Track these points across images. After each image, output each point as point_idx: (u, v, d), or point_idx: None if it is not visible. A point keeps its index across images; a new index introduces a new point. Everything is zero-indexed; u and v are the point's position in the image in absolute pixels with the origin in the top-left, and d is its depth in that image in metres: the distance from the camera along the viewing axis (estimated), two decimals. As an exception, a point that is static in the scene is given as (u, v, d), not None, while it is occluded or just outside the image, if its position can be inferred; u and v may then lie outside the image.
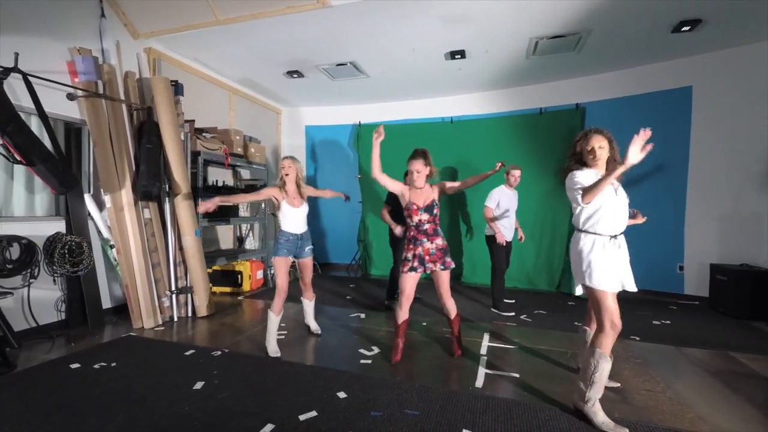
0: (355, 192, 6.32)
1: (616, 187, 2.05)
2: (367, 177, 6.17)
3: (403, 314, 2.67)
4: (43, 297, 3.18)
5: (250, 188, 4.92)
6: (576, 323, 3.59)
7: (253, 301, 4.44)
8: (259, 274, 5.03)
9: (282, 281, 2.82)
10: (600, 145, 2.02)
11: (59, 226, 3.31)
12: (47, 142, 2.85)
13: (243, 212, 5.16)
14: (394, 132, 6.01)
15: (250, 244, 5.58)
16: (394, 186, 2.67)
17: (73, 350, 2.85)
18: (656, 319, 3.77)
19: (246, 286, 4.76)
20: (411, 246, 2.63)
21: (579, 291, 2.22)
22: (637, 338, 3.23)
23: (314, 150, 6.67)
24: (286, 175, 2.90)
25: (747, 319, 3.77)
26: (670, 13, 3.41)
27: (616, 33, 3.76)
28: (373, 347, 2.96)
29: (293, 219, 2.90)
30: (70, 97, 3.25)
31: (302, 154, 6.69)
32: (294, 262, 3.04)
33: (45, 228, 3.19)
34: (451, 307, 2.76)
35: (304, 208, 2.97)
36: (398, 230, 3.78)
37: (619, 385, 2.34)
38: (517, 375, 2.48)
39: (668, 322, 3.71)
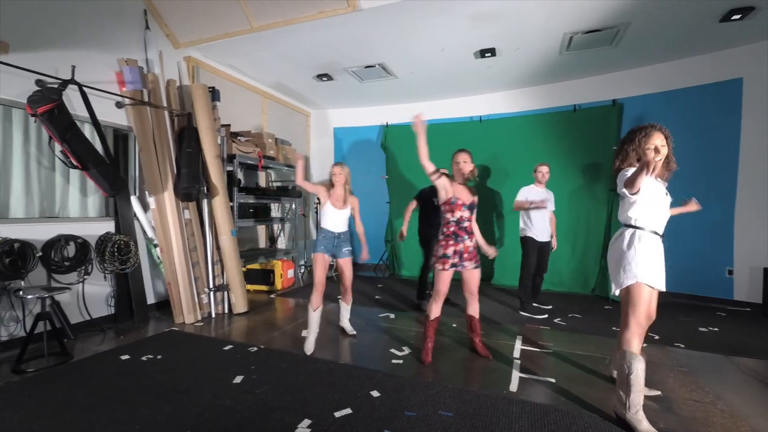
0: (382, 193, 6.37)
1: (665, 189, 1.97)
2: (395, 178, 6.19)
3: (435, 311, 2.67)
4: (95, 292, 3.41)
5: (283, 190, 5.06)
6: (614, 328, 3.46)
7: (284, 299, 4.56)
8: (290, 273, 5.16)
9: (319, 276, 2.94)
10: (662, 143, 1.95)
11: (109, 226, 3.53)
12: (98, 147, 3.06)
13: (274, 213, 5.31)
14: (421, 132, 6.03)
15: (282, 243, 5.74)
16: (438, 177, 2.58)
17: (122, 342, 3.05)
18: (703, 326, 3.57)
19: (278, 285, 4.90)
20: (452, 242, 2.58)
21: (617, 292, 2.13)
22: (682, 345, 3.07)
23: (342, 151, 6.76)
24: (336, 180, 3.04)
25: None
26: (718, 2, 3.22)
27: (657, 24, 3.59)
28: (403, 347, 2.98)
29: (333, 219, 3.02)
30: (119, 105, 3.47)
31: (330, 155, 6.80)
32: (332, 262, 3.20)
33: (96, 228, 3.41)
34: (477, 308, 2.79)
35: (346, 212, 3.07)
36: (402, 234, 3.98)
37: (659, 393, 2.24)
38: (553, 380, 2.42)
39: (716, 329, 3.50)
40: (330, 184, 3.06)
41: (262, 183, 5.40)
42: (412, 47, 4.13)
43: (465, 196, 2.64)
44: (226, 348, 2.93)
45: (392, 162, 6.23)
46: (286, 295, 4.76)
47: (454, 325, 3.55)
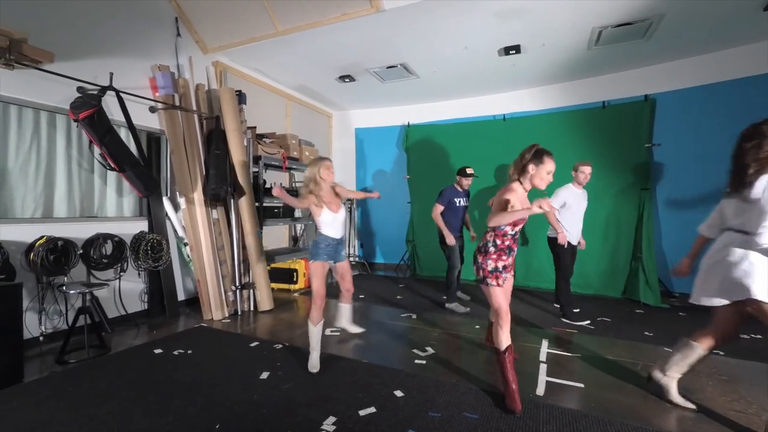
0: (404, 193, 6.36)
1: None
2: (416, 177, 6.18)
3: (506, 338, 2.13)
4: (130, 288, 3.57)
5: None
6: (646, 333, 3.33)
7: (306, 298, 4.63)
8: (313, 272, 5.23)
9: (319, 287, 2.66)
10: None
11: (142, 225, 3.69)
12: (133, 149, 3.21)
13: (298, 213, 5.39)
14: (443, 131, 6.00)
15: (304, 243, 5.83)
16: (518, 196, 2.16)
17: (154, 337, 3.17)
18: (744, 333, 3.38)
19: (300, 284, 4.98)
20: (504, 256, 2.20)
21: (709, 302, 1.98)
22: (722, 353, 2.91)
23: (364, 151, 6.81)
24: (328, 178, 2.72)
25: None
26: (761, -11, 3.04)
27: (693, 16, 3.42)
28: (426, 348, 2.96)
29: (334, 224, 2.77)
30: (152, 109, 3.62)
31: (352, 156, 6.86)
32: (330, 267, 2.95)
33: (131, 227, 3.57)
34: None
35: (344, 212, 2.84)
36: (452, 241, 3.87)
37: (694, 407, 2.08)
38: (582, 385, 2.35)
39: (758, 336, 3.30)
40: (314, 188, 2.69)
41: (285, 183, 5.50)
42: (434, 46, 4.11)
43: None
44: (253, 344, 3.01)
45: (414, 162, 6.21)
46: (308, 293, 4.83)
47: (477, 327, 3.51)
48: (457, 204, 4.02)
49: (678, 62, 4.37)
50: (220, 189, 3.70)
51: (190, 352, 2.84)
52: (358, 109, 6.66)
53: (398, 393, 2.22)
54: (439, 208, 3.97)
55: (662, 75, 4.50)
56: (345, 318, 3.26)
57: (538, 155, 2.12)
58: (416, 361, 2.72)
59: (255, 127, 4.38)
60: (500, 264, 2.18)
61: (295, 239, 5.75)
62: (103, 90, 2.91)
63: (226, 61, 4.48)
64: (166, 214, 3.84)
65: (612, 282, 4.79)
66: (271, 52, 4.34)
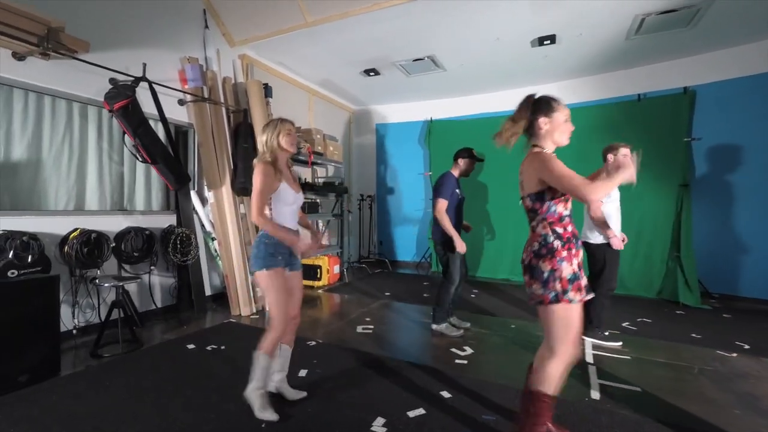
0: (426, 189, 6.26)
1: None
2: (438, 174, 6.02)
3: (556, 376, 1.49)
4: (159, 283, 3.54)
5: (328, 186, 5.07)
6: (693, 335, 3.17)
7: (331, 295, 4.56)
8: (336, 268, 5.16)
9: (285, 305, 1.87)
10: None
11: (171, 219, 3.66)
12: (163, 141, 3.17)
13: (321, 209, 5.33)
14: (467, 127, 5.86)
15: (327, 239, 5.76)
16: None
17: (185, 332, 3.13)
18: (798, 336, 3.20)
19: (324, 280, 4.91)
20: (574, 250, 1.50)
21: None
22: (779, 357, 2.75)
23: (384, 148, 6.72)
24: (291, 142, 1.91)
25: None
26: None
27: (744, 1, 3.24)
28: (465, 348, 2.85)
29: (293, 208, 1.96)
30: (181, 102, 3.59)
31: (372, 152, 6.77)
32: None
33: (160, 221, 3.54)
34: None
35: (302, 195, 2.05)
36: (462, 248, 2.93)
37: None
38: (639, 389, 2.22)
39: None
40: (272, 158, 1.89)
41: (308, 179, 5.44)
42: (465, 37, 3.99)
43: None
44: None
45: (436, 158, 6.10)
46: (332, 290, 4.76)
47: (513, 326, 3.39)
48: (459, 196, 3.12)
49: (720, 52, 4.18)
50: (249, 183, 3.62)
51: (222, 348, 2.78)
52: (380, 105, 6.57)
53: (445, 394, 2.12)
54: (444, 203, 3.00)
55: (703, 66, 4.31)
56: (279, 372, 2.04)
57: (544, 104, 1.54)
58: (457, 361, 2.62)
59: (281, 121, 4.32)
60: (575, 263, 1.48)
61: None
62: (137, 81, 2.87)
63: (253, 55, 4.43)
64: (194, 208, 3.80)
65: (646, 282, 4.62)
66: (298, 45, 4.27)
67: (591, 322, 2.95)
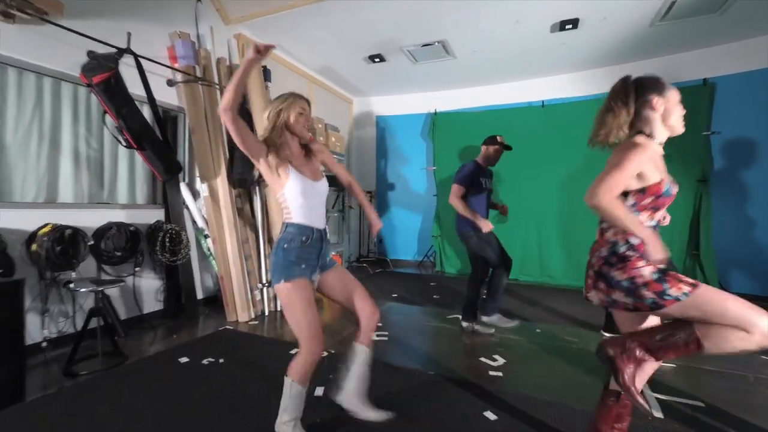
0: (429, 185, 5.98)
1: None
2: (443, 168, 5.79)
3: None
4: (144, 286, 3.14)
5: (329, 180, 4.70)
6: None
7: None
8: (337, 269, 4.82)
9: (311, 319, 1.49)
10: None
11: (158, 214, 3.26)
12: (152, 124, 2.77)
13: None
14: (473, 119, 5.58)
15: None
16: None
17: (176, 342, 2.75)
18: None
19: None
20: (642, 262, 1.27)
21: None
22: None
23: (385, 141, 6.40)
24: (303, 124, 1.58)
25: None
26: None
27: (783, -16, 3.07)
28: (495, 356, 2.57)
29: (313, 201, 1.58)
30: (170, 83, 3.19)
31: (372, 145, 6.45)
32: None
33: (145, 216, 3.14)
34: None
35: (326, 183, 1.69)
36: (487, 226, 2.78)
37: None
38: (701, 403, 1.98)
39: None
40: (274, 137, 1.55)
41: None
42: (482, 19, 3.71)
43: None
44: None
45: (440, 152, 5.83)
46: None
47: (538, 330, 3.13)
48: (484, 186, 2.95)
49: (744, 42, 4.01)
50: (248, 174, 3.28)
51: (221, 361, 2.42)
52: (381, 96, 6.24)
53: (489, 415, 1.83)
54: (460, 190, 2.85)
55: (723, 56, 4.15)
56: (353, 381, 1.69)
57: (651, 81, 1.32)
58: (491, 373, 2.33)
59: (281, 108, 3.95)
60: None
61: (315, 233, 5.32)
62: (120, 52, 2.47)
63: (249, 35, 4.04)
64: (184, 202, 3.41)
65: None
66: (298, 25, 3.91)
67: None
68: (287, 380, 1.54)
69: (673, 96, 1.32)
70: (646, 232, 1.18)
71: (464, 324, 3.02)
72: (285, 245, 1.53)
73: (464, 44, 4.24)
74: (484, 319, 2.99)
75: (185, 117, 3.36)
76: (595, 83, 4.81)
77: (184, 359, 2.42)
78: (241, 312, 3.27)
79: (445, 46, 4.28)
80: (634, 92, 1.32)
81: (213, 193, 3.28)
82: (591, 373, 2.34)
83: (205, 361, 2.40)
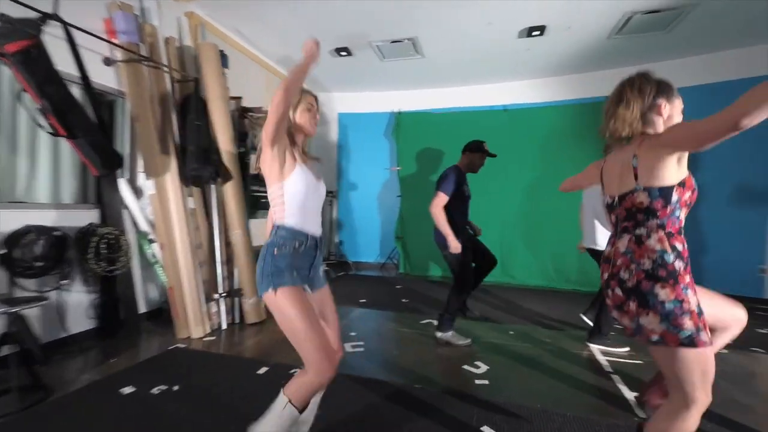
0: (392, 185, 5.87)
1: None
2: (407, 169, 5.72)
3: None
4: (73, 302, 2.64)
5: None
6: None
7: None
8: (300, 274, 4.52)
9: (319, 340, 1.28)
10: None
11: (91, 216, 2.76)
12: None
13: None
14: (438, 121, 5.57)
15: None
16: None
17: (115, 368, 2.32)
18: (757, 327, 3.41)
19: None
20: (689, 271, 1.15)
21: None
22: (761, 350, 2.85)
23: (347, 139, 6.18)
24: (311, 124, 1.45)
25: None
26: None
27: (722, 9, 3.37)
28: (477, 363, 2.50)
29: (313, 203, 1.43)
30: (107, 61, 2.72)
31: (333, 144, 6.20)
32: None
33: (75, 218, 2.64)
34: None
35: (324, 187, 1.53)
36: (456, 248, 2.67)
37: None
38: (677, 400, 2.05)
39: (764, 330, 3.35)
40: (290, 131, 1.41)
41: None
42: (455, 18, 3.65)
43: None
44: (261, 371, 2.31)
45: (404, 152, 5.75)
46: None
47: (511, 333, 3.14)
48: (466, 193, 2.93)
49: (685, 59, 4.38)
50: (204, 171, 2.90)
51: (176, 388, 2.07)
52: (344, 92, 6.01)
53: (487, 429, 1.73)
54: (444, 198, 2.72)
55: (669, 72, 4.42)
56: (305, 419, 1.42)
57: (665, 85, 1.26)
58: (477, 381, 2.25)
59: (240, 98, 3.59)
60: (694, 293, 1.13)
61: (275, 236, 4.95)
62: (44, 18, 2.01)
63: (203, 15, 3.61)
64: (124, 202, 2.93)
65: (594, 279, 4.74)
66: (262, 9, 3.57)
67: (600, 330, 2.82)
68: (282, 398, 1.30)
69: (678, 104, 1.28)
70: None
71: (438, 334, 2.87)
72: (275, 251, 1.33)
73: (434, 43, 4.18)
74: (438, 335, 2.86)
75: (125, 102, 2.90)
76: (554, 91, 5.02)
77: (128, 389, 2.04)
78: (194, 327, 2.88)
79: (414, 43, 4.18)
80: (652, 89, 1.24)
81: (161, 192, 2.86)
82: (571, 375, 2.36)
83: (155, 390, 2.04)
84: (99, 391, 2.02)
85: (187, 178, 2.93)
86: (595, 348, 2.80)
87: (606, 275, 1.28)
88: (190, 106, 2.99)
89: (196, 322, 2.89)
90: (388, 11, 3.54)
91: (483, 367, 2.44)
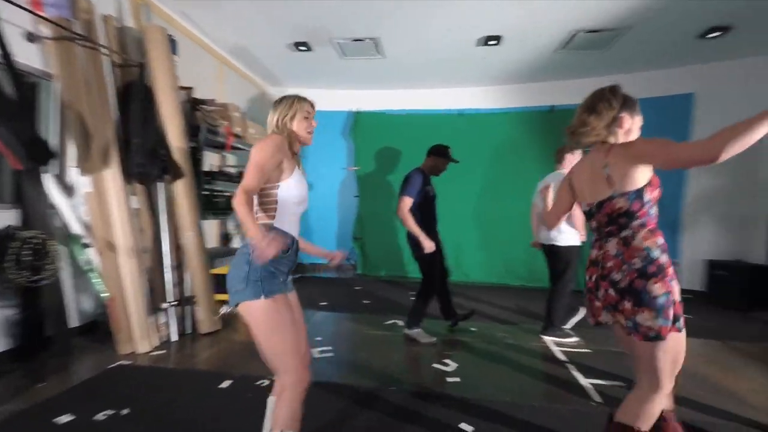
0: (349, 186, 5.81)
1: None
2: (364, 169, 5.70)
3: (655, 412, 1.25)
4: (-16, 318, 2.23)
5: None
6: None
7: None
8: (255, 277, 4.28)
9: (298, 351, 1.28)
10: None
11: (8, 217, 2.35)
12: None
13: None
14: (396, 122, 5.61)
15: (238, 242, 4.76)
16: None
17: (45, 393, 2.00)
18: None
19: (241, 293, 4.00)
20: (672, 265, 1.24)
21: None
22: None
23: (303, 137, 5.98)
24: (307, 132, 1.43)
25: (745, 310, 4.06)
26: (703, 18, 3.50)
27: (650, 33, 3.79)
28: (446, 361, 2.55)
29: (302, 209, 1.42)
30: (31, 37, 2.34)
31: (287, 141, 5.96)
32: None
33: (-13, 219, 2.24)
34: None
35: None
36: (429, 245, 2.76)
37: None
38: (623, 383, 2.26)
39: (690, 316, 3.84)
40: (288, 137, 1.38)
41: (223, 166, 4.40)
42: (417, 22, 3.70)
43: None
44: (224, 385, 2.13)
45: (362, 152, 5.72)
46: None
47: (474, 329, 3.26)
48: (431, 194, 2.98)
49: (619, 76, 4.80)
50: (151, 167, 2.62)
51: (125, 412, 1.83)
52: (300, 88, 5.78)
53: (466, 427, 1.77)
54: (409, 201, 2.79)
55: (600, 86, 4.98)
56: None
57: (630, 99, 1.35)
58: (449, 380, 2.30)
59: (192, 88, 3.30)
60: (676, 286, 1.21)
61: (226, 237, 4.64)
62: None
63: (147, -6, 3.26)
64: (50, 201, 2.54)
65: (523, 271, 5.13)
66: (216, -7, 3.32)
67: (553, 323, 3.03)
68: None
69: (639, 120, 1.37)
70: None
71: (406, 331, 2.96)
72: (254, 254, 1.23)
73: (396, 45, 4.20)
74: (406, 331, 2.94)
75: (51, 85, 2.51)
76: (507, 98, 5.32)
77: (65, 417, 1.77)
78: (140, 341, 2.58)
79: (377, 43, 4.16)
80: (619, 103, 1.32)
81: (99, 189, 2.52)
82: (531, 367, 2.52)
83: (100, 416, 1.79)
84: (27, 423, 1.73)
85: (131, 175, 2.62)
86: (549, 340, 3.01)
87: (594, 277, 1.34)
88: (134, 94, 2.68)
89: (142, 335, 2.60)
90: (352, 9, 3.48)
91: (452, 365, 2.50)
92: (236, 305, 1.28)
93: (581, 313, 3.09)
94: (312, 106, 1.45)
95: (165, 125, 2.83)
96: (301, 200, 1.38)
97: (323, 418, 1.79)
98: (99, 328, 2.81)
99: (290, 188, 1.32)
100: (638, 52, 4.22)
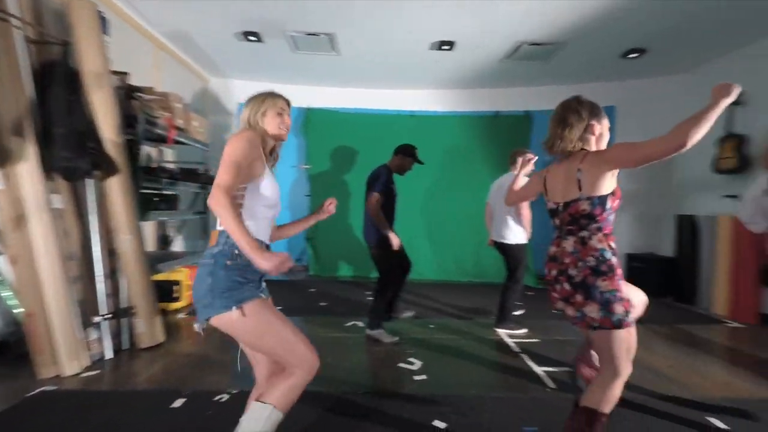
0: (300, 184, 5.63)
1: None
2: (316, 168, 5.56)
3: (616, 396, 1.39)
4: None
5: (189, 174, 3.82)
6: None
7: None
8: (199, 283, 3.95)
9: (304, 338, 1.26)
10: None
11: None
12: None
13: (181, 205, 3.98)
14: (349, 120, 5.56)
15: (179, 245, 4.37)
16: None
17: (-58, 434, 1.65)
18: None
19: (184, 300, 3.68)
20: (620, 272, 1.37)
21: None
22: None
23: (249, 133, 5.65)
24: (280, 129, 1.35)
25: (658, 297, 4.68)
26: (624, 39, 3.95)
27: (581, 50, 4.19)
28: (411, 360, 2.58)
29: (274, 213, 1.37)
30: None
31: (228, 135, 5.59)
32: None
33: None
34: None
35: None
36: (397, 242, 2.85)
37: None
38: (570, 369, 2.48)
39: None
40: (261, 133, 1.33)
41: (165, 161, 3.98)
42: (376, 21, 3.67)
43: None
44: (176, 404, 1.94)
45: (314, 150, 5.58)
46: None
47: (432, 326, 3.34)
48: (394, 192, 3.05)
49: (558, 86, 5.20)
50: (79, 161, 2.28)
51: (57, 446, 1.58)
52: (246, 80, 5.47)
53: (438, 423, 1.80)
54: (378, 198, 2.84)
55: (539, 96, 5.37)
56: None
57: (596, 107, 1.47)
58: (415, 378, 2.33)
59: (127, 74, 2.93)
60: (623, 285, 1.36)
61: (165, 240, 4.22)
62: None
63: (68, -39, 2.82)
64: (-57, 200, 2.10)
65: (471, 268, 5.41)
66: (154, -30, 2.99)
67: (505, 317, 3.22)
68: (264, 406, 1.19)
69: (606, 123, 1.49)
70: None
71: (368, 332, 2.95)
72: (228, 262, 1.20)
73: (351, 43, 4.14)
74: (368, 332, 2.94)
75: (-55, 61, 2.07)
76: (457, 102, 5.52)
77: (-25, 461, 1.47)
78: (67, 362, 2.24)
79: (332, 40, 4.07)
80: (586, 112, 1.44)
81: (11, 186, 2.14)
82: (489, 359, 2.66)
83: (24, 455, 1.52)
84: None
85: (53, 170, 2.26)
86: (502, 332, 3.19)
87: (554, 272, 1.45)
88: (56, 75, 2.32)
89: (70, 354, 2.26)
90: (309, 2, 3.36)
91: (417, 363, 2.54)
92: (207, 320, 1.18)
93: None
94: (287, 102, 1.41)
95: (95, 114, 2.49)
96: (273, 203, 1.33)
97: (296, 430, 1.71)
98: (10, 349, 2.39)
99: (262, 189, 1.27)
100: (572, 66, 4.64)
